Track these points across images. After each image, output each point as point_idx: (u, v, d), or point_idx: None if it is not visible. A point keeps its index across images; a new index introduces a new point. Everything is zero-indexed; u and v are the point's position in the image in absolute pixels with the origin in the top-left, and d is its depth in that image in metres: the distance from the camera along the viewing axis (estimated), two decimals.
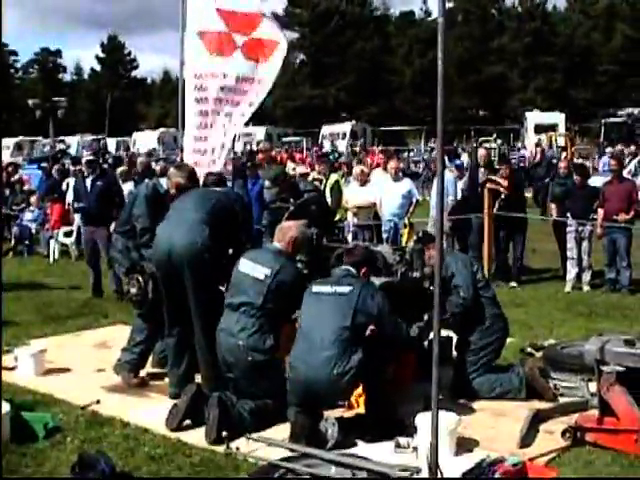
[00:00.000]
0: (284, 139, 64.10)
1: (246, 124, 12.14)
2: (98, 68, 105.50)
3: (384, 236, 15.36)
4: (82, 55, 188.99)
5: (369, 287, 7.36)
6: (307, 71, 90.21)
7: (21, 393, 8.38)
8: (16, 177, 25.21)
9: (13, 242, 20.46)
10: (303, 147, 56.13)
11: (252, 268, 7.57)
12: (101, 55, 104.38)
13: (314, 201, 9.85)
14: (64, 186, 21.94)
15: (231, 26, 10.31)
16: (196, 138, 10.46)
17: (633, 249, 14.24)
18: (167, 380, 8.55)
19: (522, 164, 40.61)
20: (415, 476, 6.22)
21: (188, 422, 7.33)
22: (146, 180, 10.44)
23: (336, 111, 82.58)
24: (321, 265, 8.08)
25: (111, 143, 61.09)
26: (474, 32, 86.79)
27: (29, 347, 9.80)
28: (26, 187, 23.76)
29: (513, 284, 14.68)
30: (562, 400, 8.07)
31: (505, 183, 14.78)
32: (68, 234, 19.54)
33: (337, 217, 14.97)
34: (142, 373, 9.01)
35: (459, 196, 15.80)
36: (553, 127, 52.54)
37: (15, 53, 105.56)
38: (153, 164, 24.18)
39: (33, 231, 20.76)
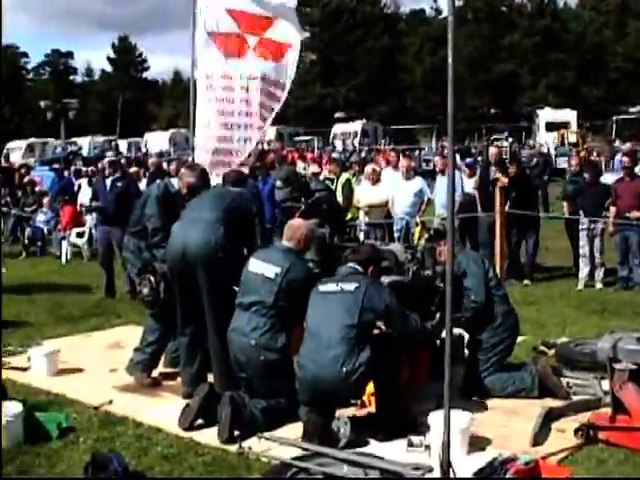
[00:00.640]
0: (295, 138, 64.06)
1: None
2: (109, 69, 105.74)
3: (396, 235, 15.37)
4: (93, 56, 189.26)
5: (375, 284, 7.36)
6: (318, 70, 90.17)
7: (34, 393, 8.40)
8: (28, 179, 25.32)
9: (26, 243, 20.51)
10: (314, 146, 56.09)
11: (262, 267, 7.58)
12: (112, 56, 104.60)
13: (325, 200, 9.85)
14: (76, 187, 22.01)
15: (242, 27, 10.31)
16: (212, 138, 10.44)
17: None
18: (179, 380, 8.56)
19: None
20: (427, 475, 6.21)
21: (201, 421, 7.34)
22: (157, 180, 10.44)
23: (347, 110, 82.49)
24: (333, 264, 8.06)
25: (122, 144, 61.14)
26: (484, 30, 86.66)
27: (42, 347, 9.82)
28: (38, 188, 23.82)
29: (526, 282, 14.66)
30: (575, 398, 8.05)
31: (505, 180, 14.74)
32: (80, 235, 19.61)
33: (349, 216, 15.00)
34: (154, 373, 9.03)
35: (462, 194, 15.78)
36: (565, 125, 52.40)
37: (26, 55, 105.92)
38: (164, 164, 24.27)
39: (45, 232, 20.81)
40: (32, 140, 61.01)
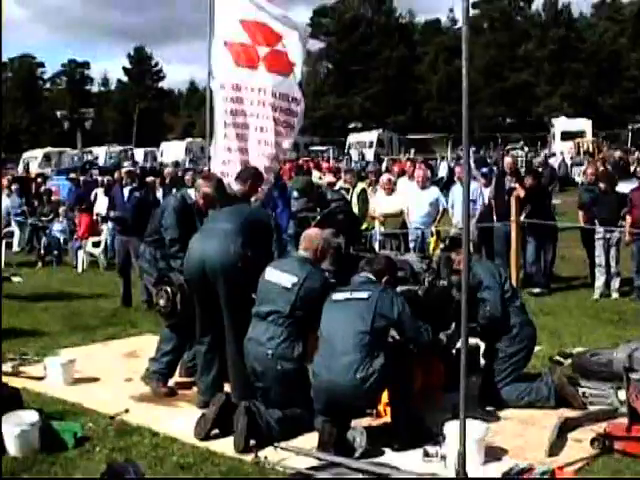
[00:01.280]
0: (310, 148, 64.13)
1: None
2: (125, 79, 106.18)
3: (411, 245, 15.36)
4: (109, 66, 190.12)
5: (388, 291, 7.35)
6: (333, 80, 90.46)
7: (50, 403, 8.42)
8: (44, 188, 25.44)
9: (42, 252, 20.57)
10: (330, 156, 56.14)
11: (279, 276, 7.59)
12: (128, 66, 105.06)
13: (341, 210, 9.83)
14: (92, 196, 22.09)
15: (254, 38, 10.32)
16: (226, 149, 10.45)
17: None
18: (195, 389, 8.57)
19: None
20: None
21: (216, 431, 7.34)
22: (174, 191, 10.44)
23: (363, 119, 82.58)
24: (348, 274, 8.06)
25: (138, 153, 61.32)
26: (500, 39, 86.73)
27: (58, 357, 9.85)
28: (54, 198, 23.91)
29: (540, 291, 14.60)
30: (591, 408, 8.02)
31: (522, 193, 14.71)
32: (96, 244, 19.66)
33: (364, 226, 14.98)
34: (170, 383, 9.04)
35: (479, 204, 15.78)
36: (580, 134, 52.35)
37: (43, 65, 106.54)
38: (180, 174, 24.33)
39: (61, 241, 20.88)
40: (49, 149, 61.24)
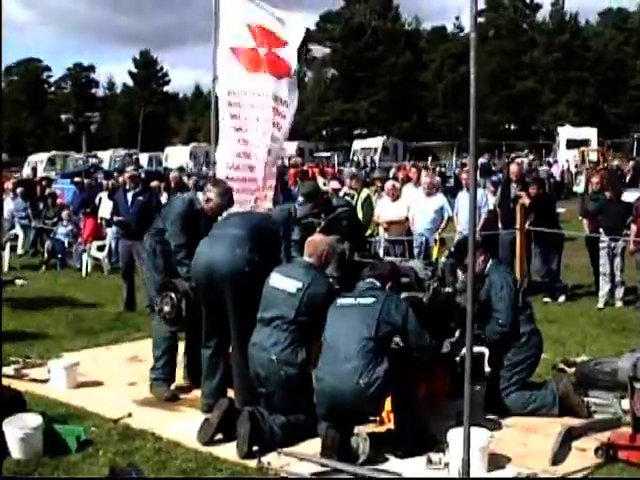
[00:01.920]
0: (315, 154, 64.17)
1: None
2: (130, 83, 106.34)
3: (415, 251, 15.33)
4: (115, 70, 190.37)
5: (393, 298, 7.36)
6: (338, 86, 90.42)
7: (54, 406, 8.42)
8: (49, 191, 25.45)
9: (46, 256, 20.58)
10: (335, 162, 56.17)
11: (283, 282, 7.59)
12: (133, 70, 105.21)
13: (345, 216, 9.83)
14: (97, 200, 22.10)
15: (258, 41, 10.33)
16: (232, 154, 10.44)
17: None
18: (199, 394, 8.56)
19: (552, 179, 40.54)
20: None
21: (220, 436, 7.34)
22: (184, 195, 10.29)
23: (368, 126, 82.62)
24: (352, 280, 8.06)
25: (143, 158, 61.41)
26: (505, 47, 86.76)
27: (62, 360, 9.86)
28: (59, 201, 23.91)
29: (546, 299, 14.62)
30: (595, 417, 8.01)
31: (527, 201, 14.70)
32: (101, 248, 19.66)
33: (369, 232, 14.96)
34: (172, 387, 9.06)
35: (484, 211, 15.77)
36: (585, 142, 52.32)
37: (49, 68, 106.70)
38: (185, 179, 24.34)
39: (66, 245, 20.89)
40: (53, 153, 61.38)
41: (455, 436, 6.49)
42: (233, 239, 8.03)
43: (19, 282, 17.41)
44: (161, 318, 8.91)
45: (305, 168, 38.95)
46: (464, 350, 6.95)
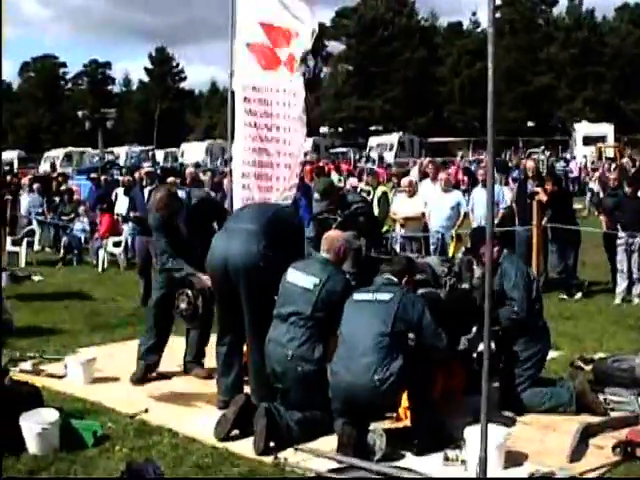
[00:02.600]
0: (331, 150, 64.14)
1: None
2: (147, 80, 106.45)
3: (432, 248, 15.31)
4: (131, 67, 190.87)
5: (410, 295, 7.35)
6: (354, 82, 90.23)
7: (70, 401, 8.46)
8: (65, 187, 25.51)
9: (62, 252, 20.63)
10: (350, 158, 56.14)
11: (301, 278, 7.58)
12: (149, 67, 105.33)
13: (362, 213, 9.80)
14: (113, 196, 22.14)
15: (273, 40, 10.28)
16: (246, 150, 10.39)
17: None
18: (215, 389, 8.56)
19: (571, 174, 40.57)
20: None
21: (236, 432, 7.34)
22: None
23: (383, 122, 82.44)
24: (368, 276, 8.04)
25: (159, 154, 61.50)
26: (521, 43, 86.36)
27: (79, 355, 9.88)
28: (75, 197, 23.97)
29: (563, 296, 14.57)
30: (612, 414, 7.97)
31: (544, 198, 14.64)
32: (117, 244, 19.70)
33: (385, 228, 14.95)
34: (189, 383, 9.08)
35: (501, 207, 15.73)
36: (602, 138, 52.16)
37: (65, 65, 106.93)
38: (201, 175, 24.35)
39: (82, 241, 20.95)
40: (70, 149, 61.56)
41: (472, 433, 6.47)
42: (248, 234, 8.02)
43: (36, 278, 17.48)
44: (178, 315, 8.95)
45: (321, 164, 38.93)
46: (481, 346, 6.94)
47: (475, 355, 8.30)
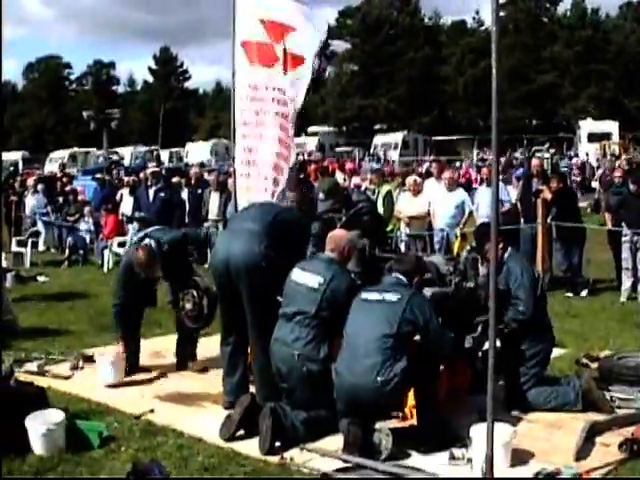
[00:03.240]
0: (336, 149, 64.15)
1: (298, 135, 11.86)
2: (151, 80, 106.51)
3: (436, 247, 15.30)
4: (135, 67, 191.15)
5: (418, 297, 7.32)
6: (358, 81, 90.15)
7: (76, 402, 8.45)
8: (70, 188, 25.51)
9: (67, 252, 20.64)
10: (355, 157, 56.13)
11: (306, 277, 7.58)
12: (154, 67, 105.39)
13: (366, 211, 9.79)
14: (118, 197, 22.15)
15: (272, 36, 10.24)
16: (246, 149, 10.35)
17: None
18: (220, 389, 8.56)
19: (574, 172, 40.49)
20: None
21: (242, 432, 7.34)
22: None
23: (388, 121, 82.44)
24: (373, 276, 8.04)
25: (164, 154, 61.50)
26: (525, 41, 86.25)
27: (108, 354, 9.75)
28: (80, 198, 23.98)
29: (568, 294, 14.55)
30: (618, 412, 7.95)
31: (549, 196, 14.61)
32: (122, 244, 19.67)
33: (389, 227, 14.94)
34: (196, 383, 9.07)
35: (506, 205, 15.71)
36: (607, 135, 52.10)
37: (69, 65, 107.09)
38: (206, 174, 24.37)
39: (87, 241, 20.97)
40: (74, 150, 61.61)
41: (478, 431, 6.47)
42: (250, 234, 8.01)
43: (41, 278, 17.49)
44: (183, 315, 8.96)
45: (325, 163, 38.93)
46: (486, 345, 6.94)
47: (480, 354, 8.28)
